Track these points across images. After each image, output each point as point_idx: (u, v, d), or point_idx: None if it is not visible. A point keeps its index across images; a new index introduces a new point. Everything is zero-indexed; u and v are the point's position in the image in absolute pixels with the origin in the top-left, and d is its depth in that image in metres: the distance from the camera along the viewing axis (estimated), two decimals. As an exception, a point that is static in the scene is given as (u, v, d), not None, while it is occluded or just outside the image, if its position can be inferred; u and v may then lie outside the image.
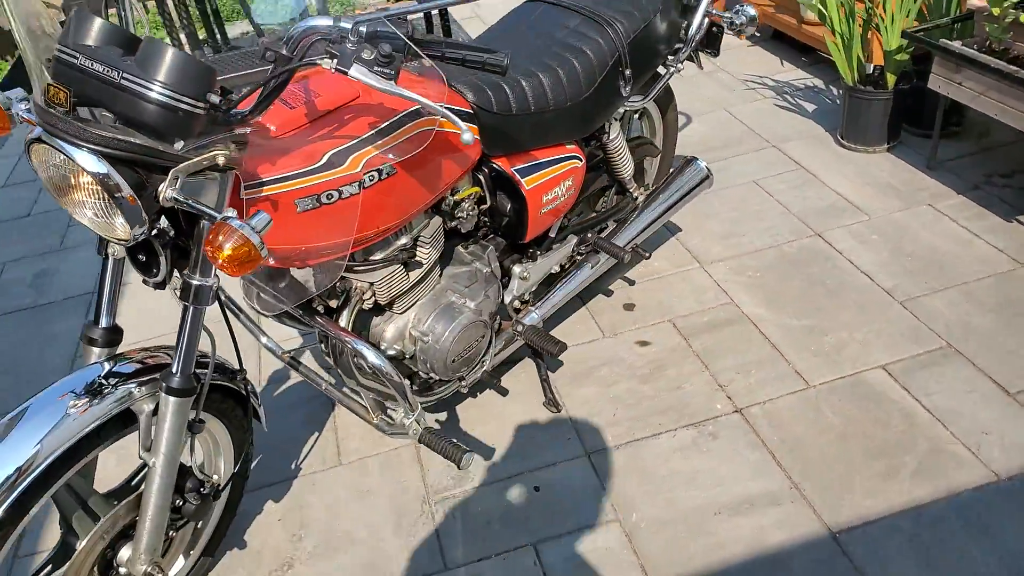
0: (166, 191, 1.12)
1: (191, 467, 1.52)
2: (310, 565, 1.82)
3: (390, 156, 1.40)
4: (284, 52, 1.19)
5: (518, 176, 1.77)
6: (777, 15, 3.81)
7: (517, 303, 1.99)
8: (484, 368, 1.89)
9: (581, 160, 1.90)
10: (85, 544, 1.40)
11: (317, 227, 1.31)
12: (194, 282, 1.26)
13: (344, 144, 1.33)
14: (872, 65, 3.00)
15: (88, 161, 1.08)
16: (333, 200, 1.34)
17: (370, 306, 1.63)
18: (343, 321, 1.58)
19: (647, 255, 2.25)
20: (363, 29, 1.19)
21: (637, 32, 1.89)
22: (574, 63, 1.80)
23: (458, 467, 1.59)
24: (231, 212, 1.11)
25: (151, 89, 1.06)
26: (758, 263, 2.54)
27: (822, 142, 3.13)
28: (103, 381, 1.37)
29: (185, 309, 1.30)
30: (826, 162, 3.00)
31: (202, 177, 1.17)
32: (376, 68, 1.14)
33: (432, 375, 1.75)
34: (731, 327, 2.31)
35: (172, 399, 1.34)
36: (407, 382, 1.63)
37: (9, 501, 1.23)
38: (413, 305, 1.71)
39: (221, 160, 1.13)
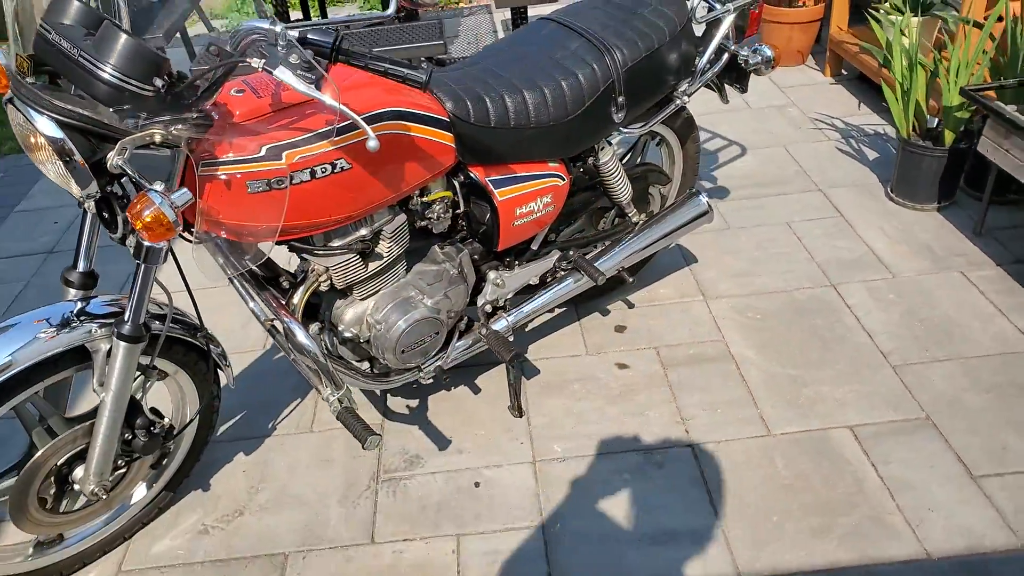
0: (114, 159, 1.29)
1: (142, 407, 1.71)
2: (257, 516, 1.98)
3: (336, 154, 1.52)
4: (227, 48, 1.33)
5: (492, 186, 1.86)
6: (860, 55, 3.70)
7: (489, 307, 2.08)
8: (440, 363, 1.99)
9: (563, 179, 1.97)
10: (39, 455, 1.61)
11: (257, 209, 1.45)
12: (145, 243, 1.44)
13: (288, 139, 1.47)
14: (937, 119, 2.89)
15: (46, 126, 1.26)
16: (283, 186, 1.48)
17: (326, 288, 1.76)
18: (296, 298, 1.73)
19: (630, 280, 2.29)
20: (293, 34, 1.32)
21: (636, 60, 1.94)
22: (562, 84, 1.87)
23: (362, 447, 1.70)
24: (158, 186, 1.27)
25: (103, 69, 1.23)
26: (762, 305, 2.52)
27: (872, 193, 3.04)
28: (73, 317, 1.57)
29: (137, 266, 1.47)
30: (869, 214, 2.92)
31: (153, 151, 1.33)
32: (299, 72, 1.26)
33: (384, 362, 1.87)
34: (713, 364, 2.31)
35: (122, 344, 1.53)
36: (359, 366, 1.75)
37: None
38: (374, 294, 1.84)
39: (157, 137, 1.29)
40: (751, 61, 2.13)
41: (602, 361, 2.37)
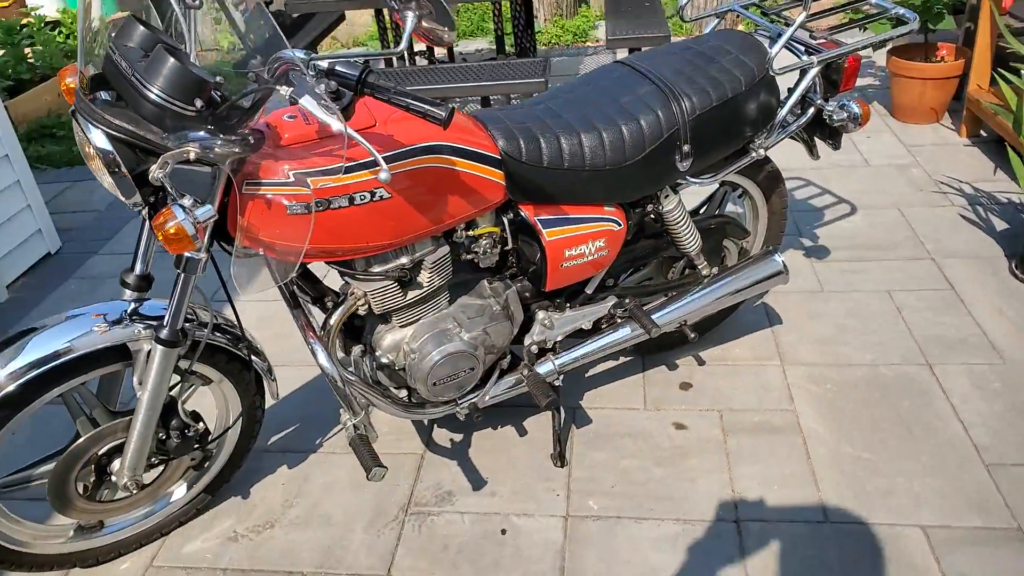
0: (155, 172, 1.35)
1: (179, 409, 1.77)
2: (286, 531, 2.00)
3: (376, 183, 1.53)
4: (265, 75, 1.37)
5: (540, 226, 1.81)
6: (999, 118, 3.39)
7: (536, 348, 2.02)
8: (476, 400, 1.95)
9: (619, 225, 1.90)
10: (79, 443, 1.70)
11: (294, 230, 1.47)
12: (186, 253, 1.49)
13: (319, 167, 1.48)
14: (1075, 192, 2.60)
15: (99, 139, 1.34)
16: (321, 209, 1.50)
17: (364, 312, 1.77)
18: (333, 319, 1.75)
19: (693, 337, 2.16)
20: (322, 65, 1.33)
21: (706, 109, 1.85)
22: (622, 129, 1.80)
23: (367, 477, 1.68)
24: (186, 201, 1.32)
25: (150, 89, 1.30)
26: (842, 378, 2.32)
27: (993, 268, 2.76)
28: (125, 316, 1.65)
29: (177, 275, 1.53)
30: (986, 291, 2.64)
31: (194, 167, 1.39)
32: (323, 101, 1.28)
33: (417, 392, 1.86)
34: (777, 435, 2.15)
35: (159, 347, 1.59)
36: (397, 393, 1.73)
37: (26, 379, 1.54)
38: (414, 322, 1.83)
39: (192, 155, 1.34)
40: (836, 117, 1.98)
41: (659, 418, 2.25)
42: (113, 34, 1.38)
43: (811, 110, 2.03)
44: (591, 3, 6.44)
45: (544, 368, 2.02)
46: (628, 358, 2.49)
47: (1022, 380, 2.26)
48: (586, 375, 2.44)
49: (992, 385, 2.25)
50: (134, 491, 1.74)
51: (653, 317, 2.08)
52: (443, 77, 3.40)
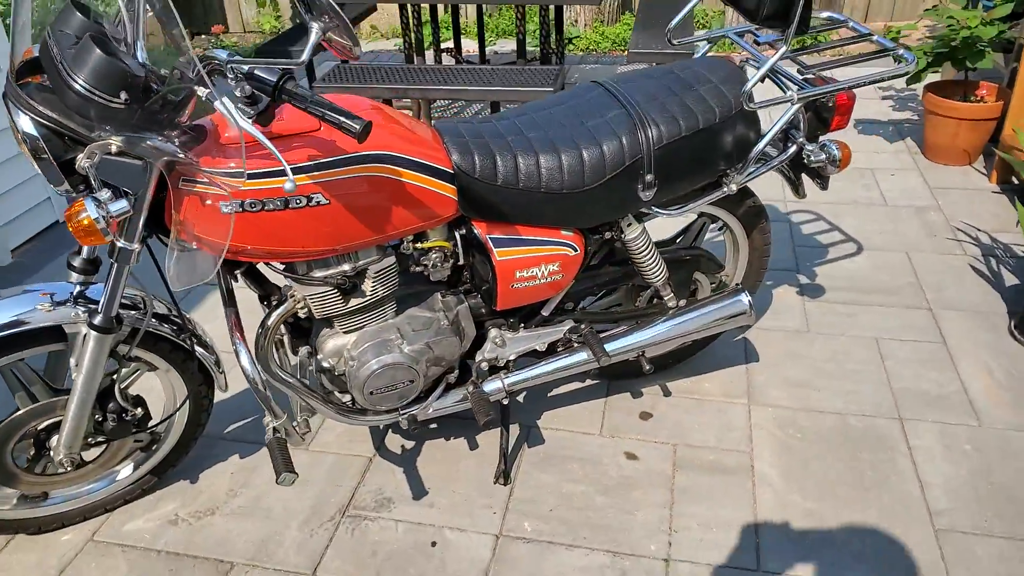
0: (82, 161, 1.38)
1: (117, 394, 1.80)
2: (225, 519, 2.04)
3: (313, 188, 1.53)
4: (189, 74, 1.38)
5: (491, 244, 1.80)
6: (1026, 167, 3.25)
7: (486, 365, 2.01)
8: (417, 411, 1.95)
9: (576, 250, 1.87)
10: (12, 417, 1.75)
11: (218, 226, 1.49)
12: (119, 244, 1.53)
13: (264, 168, 1.49)
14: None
15: (24, 123, 1.37)
16: (255, 210, 1.51)
17: (305, 315, 1.79)
18: (271, 320, 1.76)
19: (648, 369, 2.12)
20: (243, 68, 1.34)
21: (673, 139, 1.81)
22: (583, 153, 1.78)
23: (276, 480, 1.69)
24: (103, 194, 1.35)
25: (75, 79, 1.32)
26: (809, 424, 2.26)
27: (992, 325, 2.65)
28: (71, 297, 1.69)
29: (111, 264, 1.57)
30: (978, 348, 2.54)
31: (125, 160, 1.41)
32: (239, 105, 1.29)
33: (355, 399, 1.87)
34: (728, 476, 2.10)
35: (93, 332, 1.63)
36: (341, 398, 1.74)
37: None
38: (357, 329, 1.84)
39: (114, 148, 1.36)
40: (813, 158, 1.92)
41: (613, 445, 2.22)
42: (53, 20, 1.40)
43: (792, 148, 1.97)
44: (635, 10, 6.37)
45: (492, 386, 2.01)
46: (594, 382, 2.46)
47: (994, 445, 2.16)
48: (548, 395, 2.42)
49: (962, 447, 2.17)
50: (69, 468, 1.79)
51: (607, 346, 2.05)
52: (454, 78, 3.40)
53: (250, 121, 1.30)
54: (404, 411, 1.96)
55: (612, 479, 2.12)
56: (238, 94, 1.32)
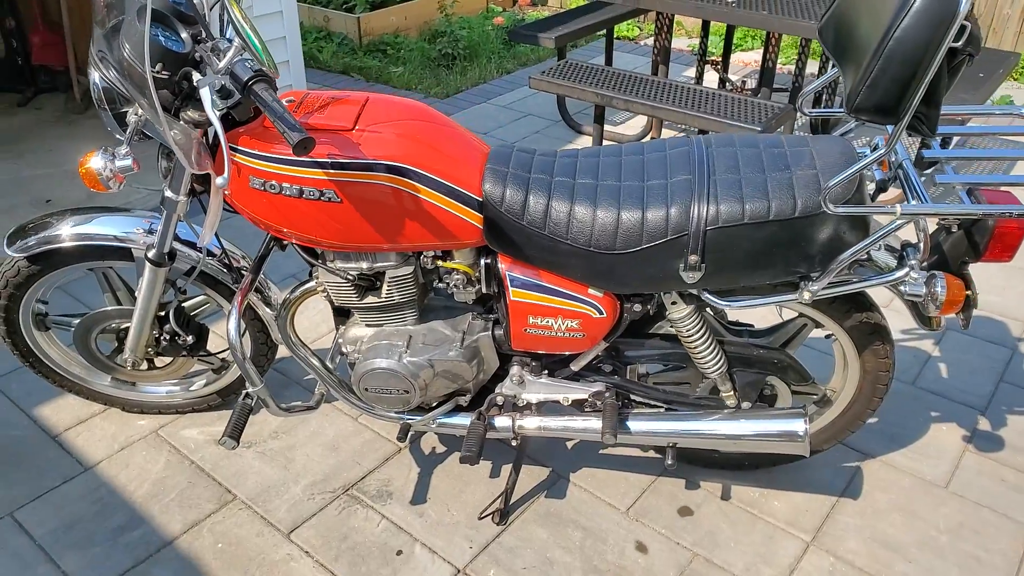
0: (131, 115, 1.56)
1: (173, 318, 2.03)
2: (253, 455, 2.22)
3: (327, 184, 1.57)
4: (197, 57, 1.46)
5: (509, 281, 1.71)
6: None
7: (502, 399, 1.93)
8: (414, 422, 1.94)
9: (602, 313, 1.70)
10: (93, 313, 2.07)
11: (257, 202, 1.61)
12: (166, 193, 1.71)
13: (277, 154, 1.56)
14: None
15: (92, 74, 1.57)
16: (275, 192, 1.59)
17: (325, 298, 1.85)
18: (294, 294, 1.85)
19: (670, 464, 1.86)
20: (226, 64, 1.39)
21: (730, 224, 1.54)
22: (621, 214, 1.59)
23: (217, 440, 1.77)
24: (121, 149, 1.51)
25: (122, 47, 1.48)
26: (867, 597, 1.84)
27: None
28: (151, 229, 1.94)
29: (160, 211, 1.76)
30: None
31: (180, 123, 1.56)
32: (214, 96, 1.35)
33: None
34: (729, 615, 1.80)
35: (147, 264, 1.86)
36: None
37: (62, 247, 1.91)
38: (377, 326, 1.87)
39: (138, 112, 1.50)
40: (910, 289, 1.51)
41: (628, 528, 2.02)
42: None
43: (899, 271, 1.58)
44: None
45: (499, 422, 1.92)
46: (658, 455, 2.24)
47: None
48: (599, 451, 2.25)
49: None
50: (128, 367, 2.07)
51: (631, 423, 1.85)
52: (671, 96, 3.20)
53: (217, 114, 1.37)
54: (407, 417, 1.96)
55: (606, 564, 1.93)
56: (216, 85, 1.39)
